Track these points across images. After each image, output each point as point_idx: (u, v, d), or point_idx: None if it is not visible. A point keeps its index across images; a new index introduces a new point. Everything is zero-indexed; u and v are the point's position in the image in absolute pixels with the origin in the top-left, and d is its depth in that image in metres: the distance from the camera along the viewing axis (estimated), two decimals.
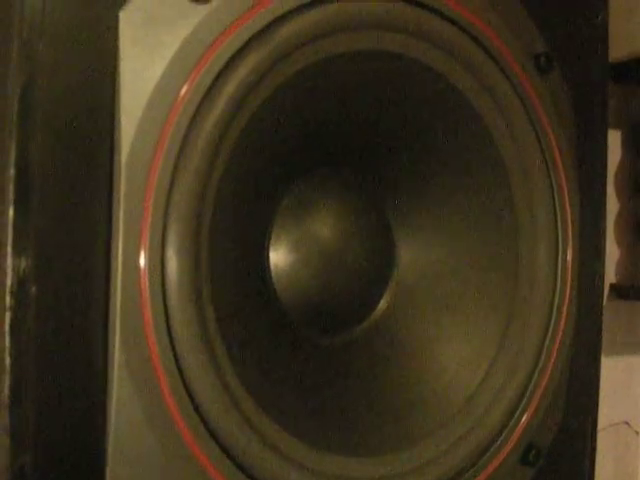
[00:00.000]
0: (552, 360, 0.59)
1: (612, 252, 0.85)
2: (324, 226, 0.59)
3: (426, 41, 0.53)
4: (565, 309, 0.59)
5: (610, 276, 0.84)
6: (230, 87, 0.46)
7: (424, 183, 0.60)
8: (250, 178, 0.52)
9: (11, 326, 0.42)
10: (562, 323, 0.59)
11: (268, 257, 0.57)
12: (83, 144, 0.44)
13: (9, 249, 0.42)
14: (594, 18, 0.64)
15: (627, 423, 0.88)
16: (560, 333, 0.59)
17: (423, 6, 0.53)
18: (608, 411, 0.85)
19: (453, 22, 0.54)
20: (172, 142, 0.45)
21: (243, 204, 0.52)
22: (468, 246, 0.60)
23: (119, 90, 0.45)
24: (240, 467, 0.46)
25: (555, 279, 0.58)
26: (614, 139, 0.86)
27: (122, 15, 0.45)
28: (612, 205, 0.85)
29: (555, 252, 0.58)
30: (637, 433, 0.89)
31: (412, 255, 0.62)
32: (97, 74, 0.45)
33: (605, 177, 0.66)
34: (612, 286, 0.84)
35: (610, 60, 0.67)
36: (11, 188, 0.42)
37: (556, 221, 0.59)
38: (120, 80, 0.45)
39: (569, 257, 0.59)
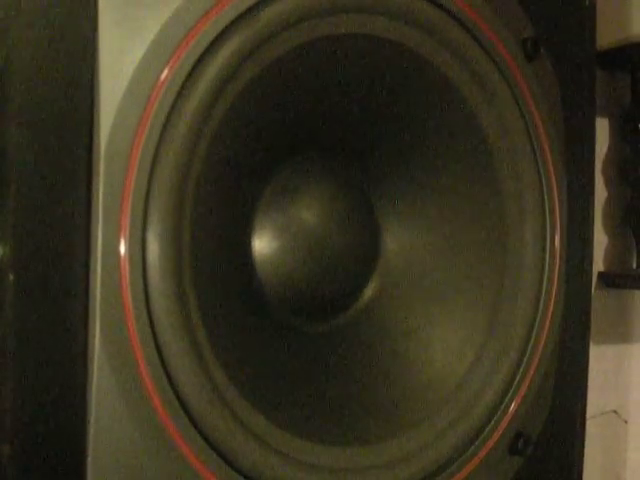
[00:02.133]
0: (540, 348, 0.59)
1: (600, 240, 0.85)
2: (308, 212, 0.58)
3: (411, 25, 0.52)
4: (553, 296, 0.59)
5: (598, 264, 0.84)
6: (211, 71, 0.46)
7: (409, 169, 0.60)
8: (233, 164, 0.51)
9: None
10: (550, 310, 0.59)
11: (251, 244, 0.56)
12: (61, 129, 0.43)
13: None
14: (582, 3, 0.64)
15: (616, 412, 0.88)
16: (548, 320, 0.59)
17: None
18: (597, 400, 0.85)
19: (439, 5, 0.53)
20: (153, 127, 0.44)
21: (226, 190, 0.51)
22: (455, 233, 0.59)
23: (98, 74, 0.44)
24: (223, 457, 0.46)
25: (543, 266, 0.58)
26: (602, 127, 0.85)
27: None
28: (600, 193, 0.85)
29: (543, 238, 0.58)
30: (626, 422, 0.89)
31: (398, 242, 0.61)
32: (75, 57, 0.44)
33: (593, 164, 0.65)
34: (600, 274, 0.83)
35: (598, 47, 0.67)
36: None
37: (544, 207, 0.58)
38: (99, 63, 0.44)
39: (557, 243, 0.59)
